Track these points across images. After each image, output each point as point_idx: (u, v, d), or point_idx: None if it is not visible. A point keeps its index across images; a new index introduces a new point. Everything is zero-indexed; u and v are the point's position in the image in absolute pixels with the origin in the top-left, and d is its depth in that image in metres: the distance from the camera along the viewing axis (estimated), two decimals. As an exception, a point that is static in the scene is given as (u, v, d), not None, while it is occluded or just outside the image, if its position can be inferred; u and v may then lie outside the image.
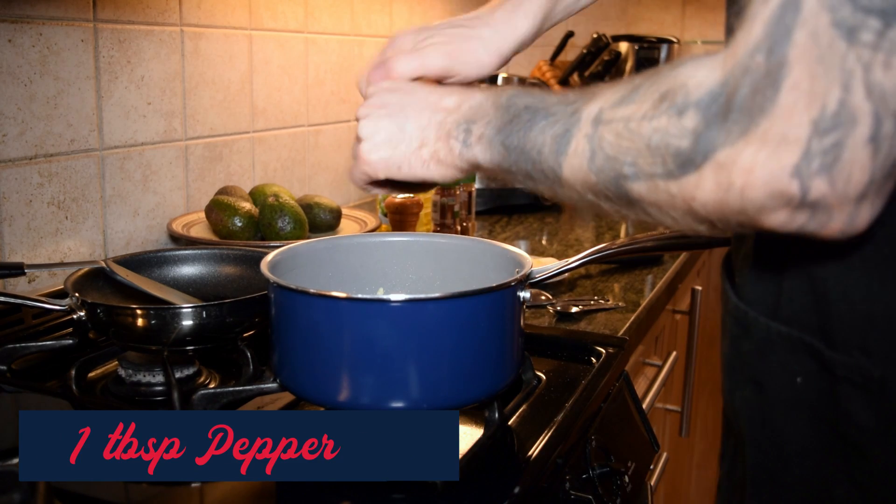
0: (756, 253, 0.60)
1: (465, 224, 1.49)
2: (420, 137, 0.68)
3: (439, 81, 0.77)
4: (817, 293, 0.55)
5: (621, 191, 0.52)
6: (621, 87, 0.53)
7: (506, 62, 0.81)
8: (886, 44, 0.40)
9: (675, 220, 0.51)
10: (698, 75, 0.47)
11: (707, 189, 0.46)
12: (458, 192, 1.45)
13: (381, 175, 0.71)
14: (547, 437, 0.79)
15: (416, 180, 0.70)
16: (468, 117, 0.66)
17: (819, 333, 0.55)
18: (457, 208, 1.47)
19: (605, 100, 0.54)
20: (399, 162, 0.69)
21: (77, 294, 0.90)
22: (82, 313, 0.88)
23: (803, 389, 0.56)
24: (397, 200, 1.37)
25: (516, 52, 0.81)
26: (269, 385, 0.81)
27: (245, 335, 0.92)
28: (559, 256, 1.45)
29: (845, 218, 0.44)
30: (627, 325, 1.11)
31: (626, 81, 0.53)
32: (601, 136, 0.53)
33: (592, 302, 1.17)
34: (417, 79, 0.76)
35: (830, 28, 0.40)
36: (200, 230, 1.29)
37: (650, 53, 2.34)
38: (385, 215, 1.54)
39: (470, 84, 0.77)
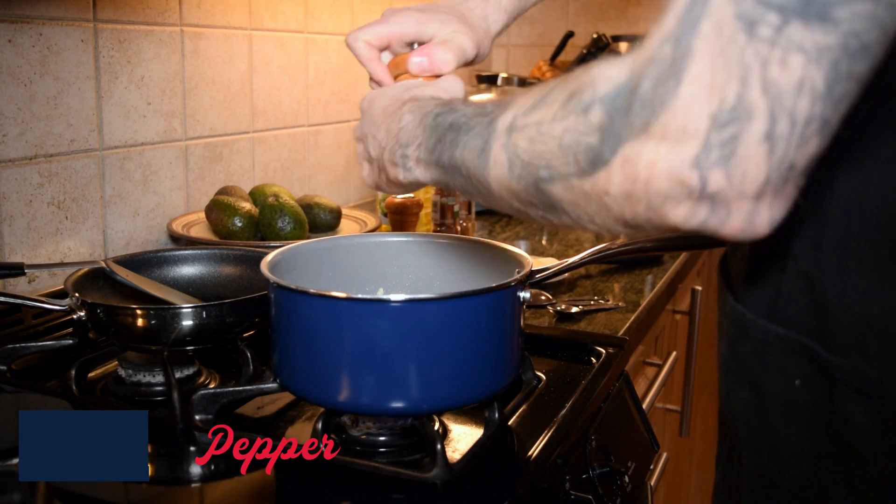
0: (753, 254, 0.60)
1: (464, 224, 1.49)
2: (378, 164, 0.72)
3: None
4: (815, 295, 0.54)
5: (542, 195, 0.52)
6: (534, 93, 0.53)
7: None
8: (783, 40, 0.39)
9: (592, 221, 0.51)
10: (608, 72, 0.47)
11: (616, 184, 0.46)
12: (457, 192, 1.45)
13: (379, 191, 0.76)
14: (547, 437, 0.79)
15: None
16: (402, 142, 0.67)
17: (816, 336, 0.55)
18: (457, 208, 1.47)
19: (518, 107, 0.54)
20: (376, 183, 0.74)
21: (77, 294, 0.90)
22: (82, 313, 0.88)
23: (801, 392, 0.56)
24: (397, 200, 1.37)
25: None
26: (269, 385, 0.81)
27: (245, 335, 0.92)
28: (559, 256, 1.45)
29: (743, 216, 0.43)
30: (627, 325, 1.11)
31: (540, 87, 0.53)
32: (515, 143, 0.53)
33: (592, 302, 1.17)
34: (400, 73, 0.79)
35: (733, 20, 0.40)
36: (200, 230, 1.29)
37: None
38: (385, 215, 1.54)
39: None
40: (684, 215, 0.45)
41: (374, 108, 0.74)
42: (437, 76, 0.76)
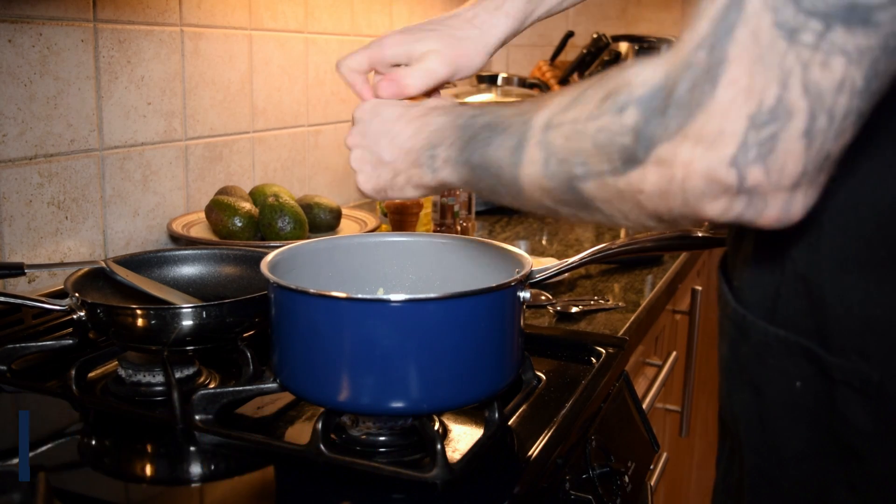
0: (754, 255, 0.61)
1: (464, 224, 1.49)
2: (394, 168, 0.72)
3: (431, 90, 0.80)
4: (814, 297, 0.55)
5: (575, 192, 0.53)
6: (570, 92, 0.54)
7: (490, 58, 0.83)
8: (826, 45, 0.41)
9: (626, 217, 0.52)
10: (643, 73, 0.48)
11: (651, 182, 0.47)
12: (458, 193, 1.45)
13: (377, 199, 0.76)
14: (547, 437, 0.79)
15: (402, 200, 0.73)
16: (432, 142, 0.68)
17: (817, 337, 0.55)
18: (457, 208, 1.47)
19: (554, 106, 0.55)
20: (383, 188, 0.74)
21: (77, 294, 0.90)
22: (82, 313, 0.88)
23: (801, 394, 0.56)
24: (397, 201, 1.37)
25: (499, 48, 0.83)
26: (269, 385, 0.81)
27: (245, 335, 0.92)
28: (559, 256, 1.45)
29: (780, 205, 0.45)
30: (627, 325, 1.11)
31: (576, 86, 0.55)
32: (551, 140, 0.54)
33: (592, 302, 1.17)
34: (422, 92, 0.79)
35: (772, 28, 0.42)
36: (200, 230, 1.29)
37: (650, 53, 2.34)
38: (385, 215, 1.54)
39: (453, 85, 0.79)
40: (721, 209, 0.46)
41: (382, 115, 0.74)
42: (411, 98, 0.78)
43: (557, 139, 0.53)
